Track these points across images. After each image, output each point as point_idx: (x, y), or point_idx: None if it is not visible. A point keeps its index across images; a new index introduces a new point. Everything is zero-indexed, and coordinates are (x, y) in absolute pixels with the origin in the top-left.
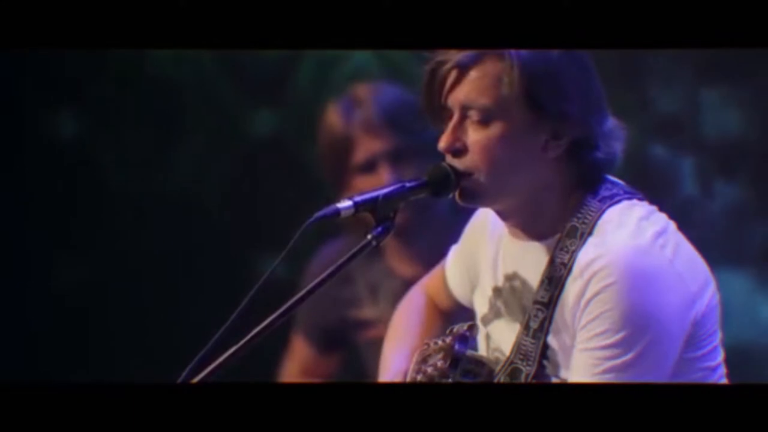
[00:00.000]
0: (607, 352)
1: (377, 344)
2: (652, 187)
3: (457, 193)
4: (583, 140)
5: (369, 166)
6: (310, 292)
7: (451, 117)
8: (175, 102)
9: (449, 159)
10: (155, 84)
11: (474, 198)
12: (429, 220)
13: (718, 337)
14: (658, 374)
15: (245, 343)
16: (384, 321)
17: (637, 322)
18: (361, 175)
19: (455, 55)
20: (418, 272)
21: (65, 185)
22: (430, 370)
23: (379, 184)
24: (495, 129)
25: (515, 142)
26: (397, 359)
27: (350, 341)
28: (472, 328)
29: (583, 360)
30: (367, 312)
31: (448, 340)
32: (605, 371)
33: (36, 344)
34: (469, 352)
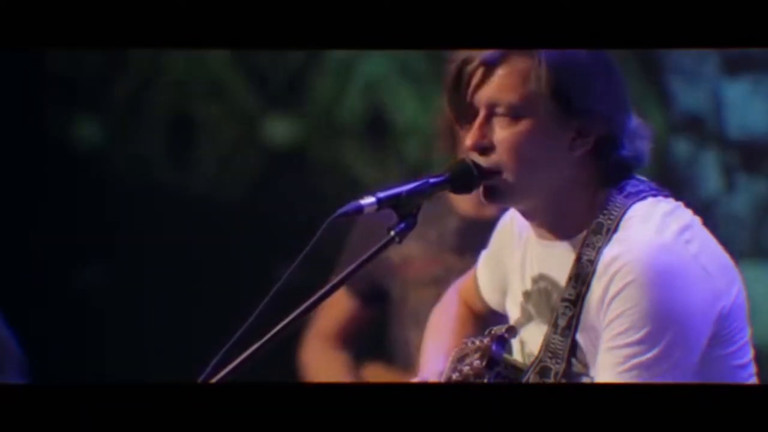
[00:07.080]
0: (631, 350)
1: (410, 283)
2: (675, 184)
3: (482, 192)
4: (609, 138)
5: None
6: (335, 287)
7: (476, 115)
8: (193, 107)
9: (475, 157)
10: (173, 89)
11: (500, 197)
12: None
13: (747, 333)
14: (684, 370)
15: (270, 337)
16: (424, 258)
17: (660, 318)
18: None
19: (480, 53)
20: (478, 210)
21: (84, 190)
22: (466, 369)
23: None
24: (522, 126)
25: (543, 139)
26: (434, 361)
27: (390, 287)
28: (511, 330)
29: (608, 359)
30: (411, 249)
31: (486, 340)
32: (630, 368)
33: (55, 346)
34: (506, 357)
